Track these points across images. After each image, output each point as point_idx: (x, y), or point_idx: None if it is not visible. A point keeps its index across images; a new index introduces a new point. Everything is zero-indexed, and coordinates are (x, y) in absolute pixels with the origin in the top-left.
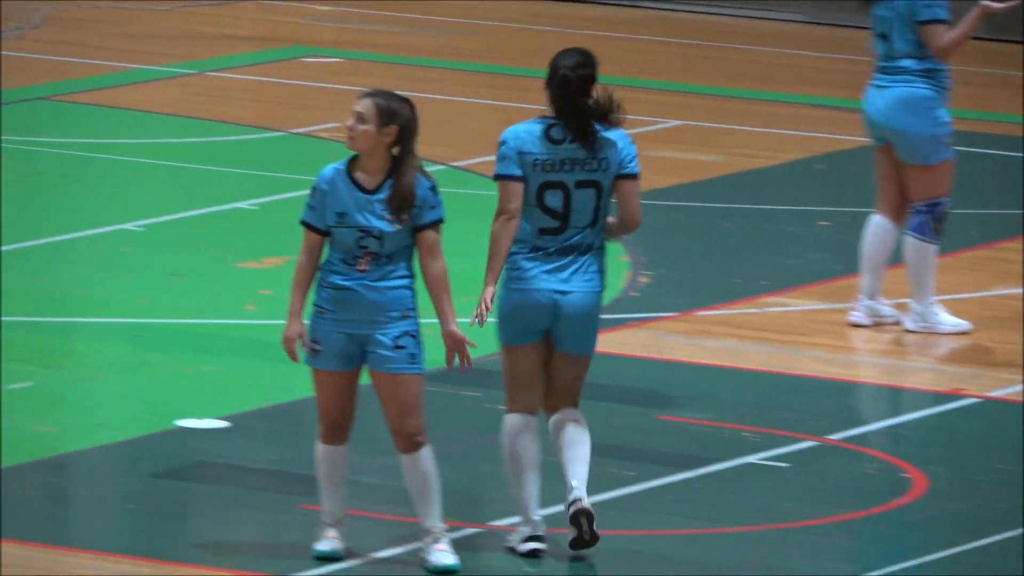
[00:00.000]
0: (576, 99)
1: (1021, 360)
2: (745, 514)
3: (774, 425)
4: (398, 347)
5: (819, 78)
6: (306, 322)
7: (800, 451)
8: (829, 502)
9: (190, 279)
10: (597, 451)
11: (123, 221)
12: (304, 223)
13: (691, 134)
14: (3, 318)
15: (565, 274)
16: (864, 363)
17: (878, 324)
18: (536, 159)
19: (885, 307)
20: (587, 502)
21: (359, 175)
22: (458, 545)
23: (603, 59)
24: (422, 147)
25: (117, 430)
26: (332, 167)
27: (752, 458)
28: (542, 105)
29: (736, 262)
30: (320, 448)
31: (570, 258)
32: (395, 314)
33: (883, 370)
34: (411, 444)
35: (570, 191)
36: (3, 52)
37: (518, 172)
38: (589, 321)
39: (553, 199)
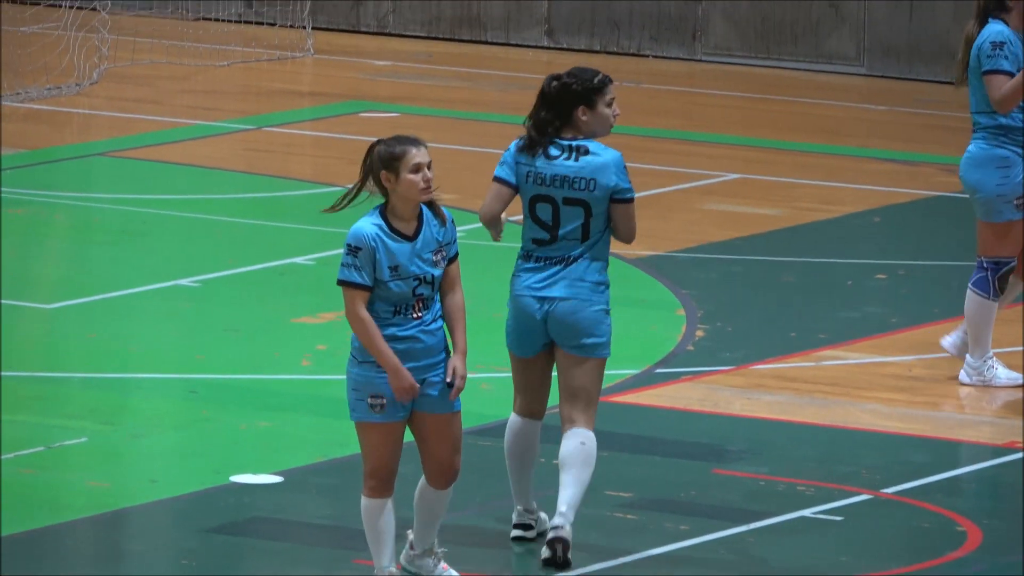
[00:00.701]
0: (568, 111)
1: None
2: (800, 567)
3: (829, 479)
4: (448, 385)
5: (877, 131)
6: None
7: (855, 504)
8: (884, 556)
9: (245, 334)
10: (653, 505)
11: (179, 277)
12: (352, 283)
13: (751, 187)
14: (58, 374)
15: (550, 282)
16: (920, 416)
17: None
18: (529, 171)
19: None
20: (567, 530)
21: (399, 224)
22: None
23: (664, 113)
24: (482, 202)
25: (172, 486)
26: (370, 224)
27: (807, 512)
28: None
29: (793, 315)
30: (373, 503)
31: (558, 268)
32: (443, 354)
33: (939, 423)
34: (452, 480)
35: (559, 206)
36: (63, 108)
37: (509, 178)
38: (576, 323)
39: (543, 212)
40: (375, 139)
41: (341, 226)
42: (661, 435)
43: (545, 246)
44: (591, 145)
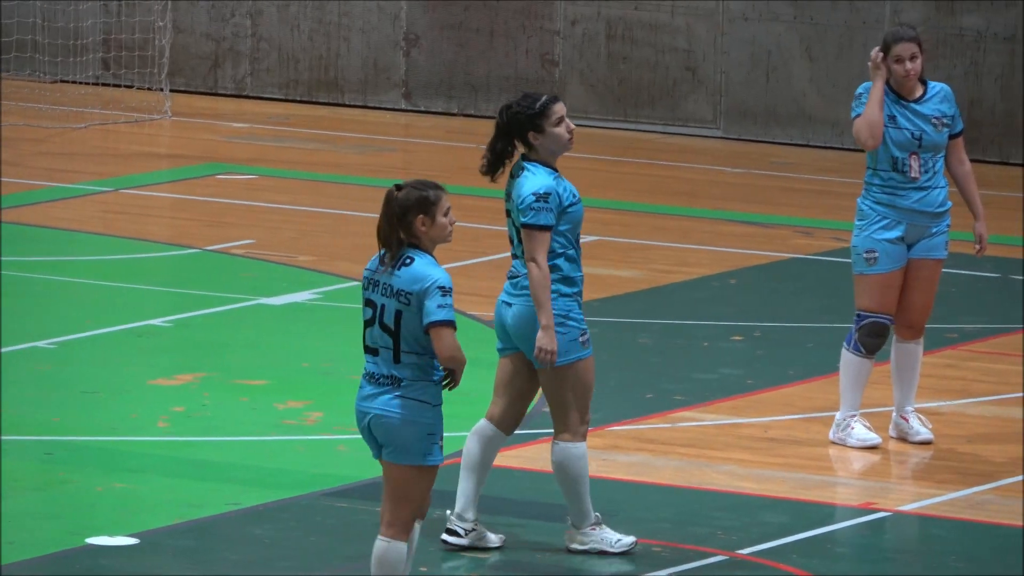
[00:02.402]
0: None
1: (932, 474)
2: None
3: (685, 540)
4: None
5: (733, 193)
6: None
7: (710, 565)
8: None
9: (103, 396)
10: (509, 567)
11: (36, 339)
12: (453, 322)
13: (608, 249)
14: None
15: (508, 290)
16: (776, 477)
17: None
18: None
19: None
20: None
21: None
22: None
23: None
24: (342, 265)
25: (28, 548)
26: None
27: (662, 573)
28: (468, 223)
29: (650, 376)
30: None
31: (516, 279)
32: None
33: (795, 484)
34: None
35: (516, 224)
36: None
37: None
38: (521, 330)
39: (510, 228)
40: (232, 201)
41: (197, 288)
42: (517, 496)
43: (514, 259)
44: (525, 168)
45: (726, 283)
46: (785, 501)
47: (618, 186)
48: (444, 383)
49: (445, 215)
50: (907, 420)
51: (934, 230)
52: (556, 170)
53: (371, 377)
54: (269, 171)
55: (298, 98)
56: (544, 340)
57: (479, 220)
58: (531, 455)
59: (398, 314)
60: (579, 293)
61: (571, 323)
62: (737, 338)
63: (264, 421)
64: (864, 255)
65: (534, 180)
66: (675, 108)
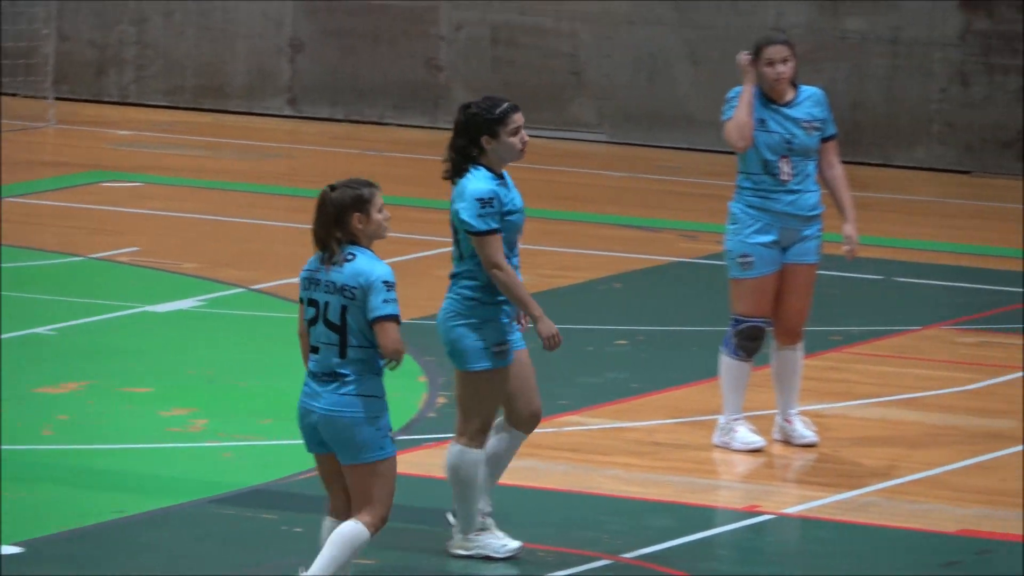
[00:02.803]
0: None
1: (816, 476)
2: None
3: (570, 544)
4: None
5: (617, 197)
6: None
7: (595, 569)
8: None
9: None
10: (394, 571)
11: None
12: (398, 317)
13: None
14: None
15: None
16: (661, 481)
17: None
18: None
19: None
20: None
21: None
22: None
23: (404, 180)
24: (227, 272)
25: None
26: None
27: None
28: None
29: (540, 381)
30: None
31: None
32: None
33: (679, 488)
34: None
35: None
36: None
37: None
38: (444, 337)
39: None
40: (117, 208)
41: (82, 296)
42: (403, 502)
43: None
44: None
45: (611, 287)
46: (670, 504)
47: None
48: (387, 366)
49: (380, 212)
50: (791, 423)
51: (806, 233)
52: (500, 176)
53: (315, 376)
54: (154, 178)
55: (183, 105)
56: (543, 328)
57: None
58: (417, 460)
59: (343, 309)
60: (506, 301)
61: (488, 330)
62: (622, 342)
63: (149, 428)
64: (738, 259)
65: (476, 185)
66: (560, 113)
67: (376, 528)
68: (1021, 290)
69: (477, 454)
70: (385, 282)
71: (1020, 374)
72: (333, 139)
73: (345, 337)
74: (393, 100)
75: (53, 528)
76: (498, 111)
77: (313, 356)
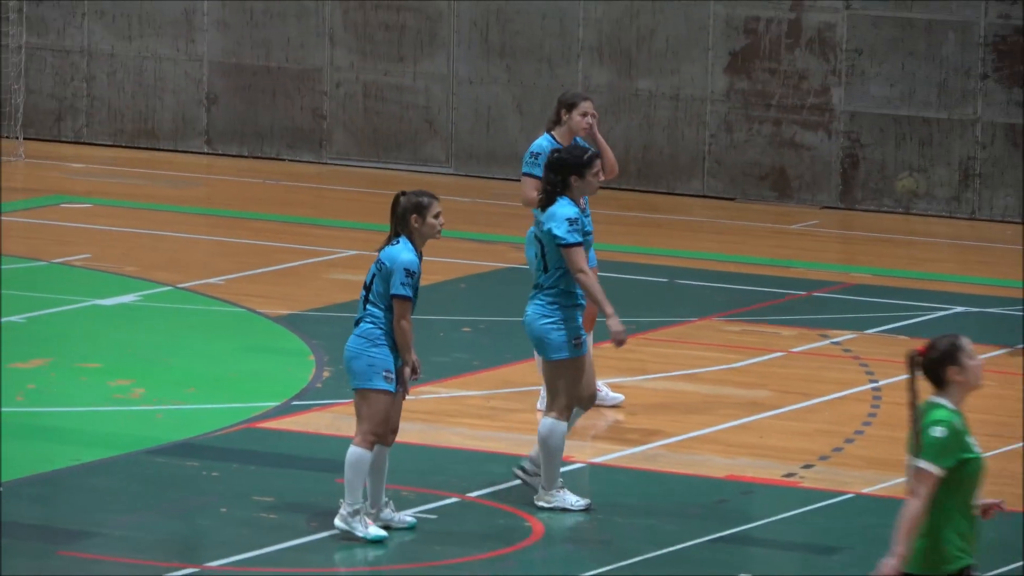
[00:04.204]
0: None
1: (618, 434)
2: (403, 555)
3: (427, 486)
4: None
5: (463, 217)
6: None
7: (446, 505)
8: (468, 545)
9: None
10: (290, 508)
11: None
12: (409, 298)
13: (365, 260)
14: None
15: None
16: (497, 437)
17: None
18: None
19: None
20: None
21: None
22: None
23: (298, 204)
24: (160, 274)
25: None
26: (414, 254)
27: (411, 512)
28: (249, 239)
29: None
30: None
31: (532, 292)
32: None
33: (511, 443)
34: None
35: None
36: None
37: None
38: (532, 334)
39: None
40: (74, 224)
41: (47, 292)
42: (297, 453)
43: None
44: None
45: (457, 287)
46: (504, 455)
47: (372, 213)
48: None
49: (435, 217)
50: (600, 390)
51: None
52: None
53: (354, 322)
54: (102, 201)
55: (124, 144)
56: (613, 324)
57: (268, 238)
58: (307, 420)
59: (373, 276)
60: (581, 305)
61: (569, 327)
62: (466, 329)
63: (98, 395)
64: None
65: (564, 209)
66: (416, 152)
67: (366, 443)
68: (772, 290)
69: (564, 426)
70: (406, 269)
71: (779, 354)
72: (240, 171)
73: (368, 294)
74: (287, 141)
75: (25, 472)
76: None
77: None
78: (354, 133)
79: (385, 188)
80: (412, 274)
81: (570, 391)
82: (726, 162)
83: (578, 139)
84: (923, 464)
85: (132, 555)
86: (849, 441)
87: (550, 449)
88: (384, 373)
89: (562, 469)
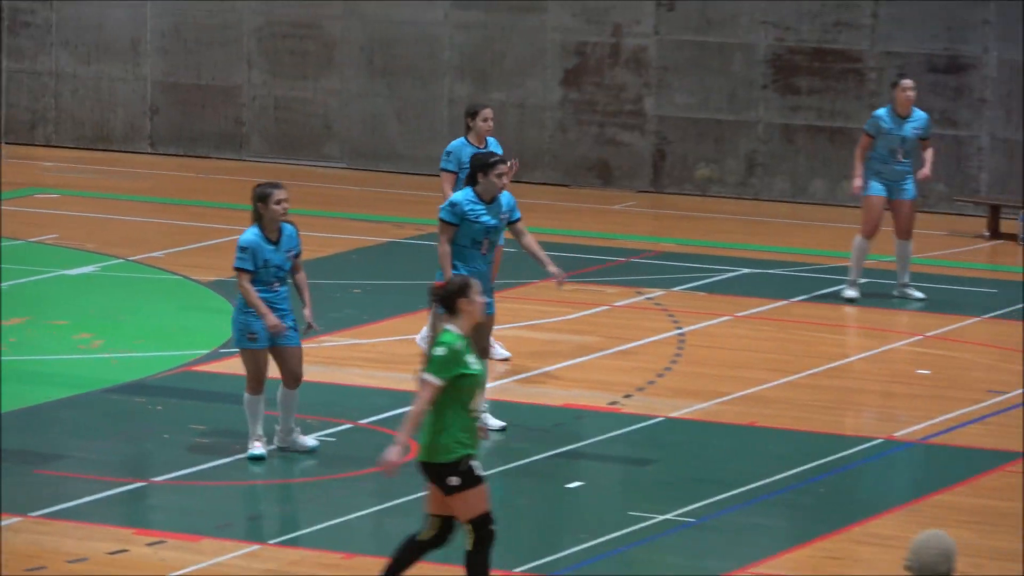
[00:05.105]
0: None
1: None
2: (304, 471)
3: (327, 415)
4: (294, 329)
5: (356, 202)
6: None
7: (342, 431)
8: (361, 462)
9: None
10: (224, 434)
11: None
12: (241, 269)
13: None
14: None
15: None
16: (383, 376)
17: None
18: None
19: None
20: None
21: (268, 235)
22: (130, 496)
23: (220, 192)
24: (113, 248)
25: None
26: (251, 234)
27: (314, 435)
28: (184, 221)
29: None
30: (252, 399)
31: None
32: (289, 310)
33: (396, 380)
34: (298, 384)
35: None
36: None
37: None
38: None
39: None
40: (46, 211)
41: (24, 264)
42: (224, 391)
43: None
44: None
45: (350, 257)
46: (389, 390)
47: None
48: None
49: (277, 203)
50: (492, 346)
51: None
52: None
53: None
54: (68, 192)
55: (85, 147)
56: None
57: (200, 220)
58: (229, 365)
59: None
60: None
61: None
62: (357, 291)
63: (65, 346)
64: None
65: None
66: (317, 151)
67: (248, 389)
68: (598, 257)
69: None
70: (239, 247)
71: (604, 308)
72: (178, 167)
73: None
74: (214, 143)
75: (9, 408)
76: (490, 161)
77: None
78: (267, 137)
79: (292, 180)
80: (244, 249)
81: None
82: (561, 156)
83: (490, 139)
84: (425, 375)
85: (95, 472)
86: (660, 376)
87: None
88: (248, 335)
89: None
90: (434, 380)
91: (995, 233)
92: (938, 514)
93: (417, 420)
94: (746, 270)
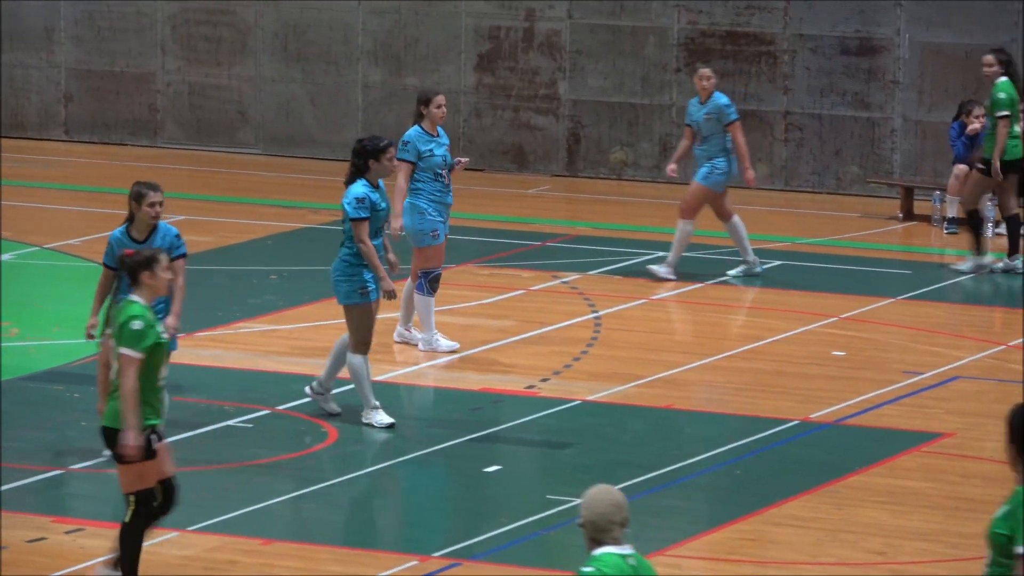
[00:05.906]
0: None
1: (397, 356)
2: (223, 457)
3: (247, 401)
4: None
5: (271, 189)
6: None
7: (260, 416)
8: (279, 447)
9: None
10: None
11: None
12: (105, 264)
13: (198, 226)
14: None
15: None
16: (300, 362)
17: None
18: None
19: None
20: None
21: (135, 234)
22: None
23: (135, 178)
24: (30, 236)
25: None
26: (118, 232)
27: (231, 422)
28: (100, 208)
29: (221, 301)
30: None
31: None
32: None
33: (313, 366)
34: None
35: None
36: None
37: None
38: (332, 281)
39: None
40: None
41: None
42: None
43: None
44: None
45: (266, 243)
46: (305, 376)
47: (195, 186)
48: None
49: (150, 206)
50: (410, 331)
51: (449, 215)
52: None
53: None
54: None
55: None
56: (386, 285)
57: (115, 207)
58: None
59: None
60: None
61: (357, 280)
62: (273, 277)
63: None
64: (430, 234)
65: (356, 189)
66: (232, 137)
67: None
68: (514, 241)
69: (360, 358)
70: (108, 243)
71: (520, 292)
72: (92, 155)
73: None
74: (129, 130)
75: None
76: (381, 145)
77: None
78: (182, 123)
79: (207, 167)
80: (109, 245)
81: (359, 330)
82: (476, 141)
83: (440, 129)
84: (126, 351)
85: (13, 460)
86: (576, 359)
87: (356, 377)
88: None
89: (380, 378)
90: (135, 354)
91: (908, 215)
92: (854, 495)
93: (134, 397)
94: (661, 253)
